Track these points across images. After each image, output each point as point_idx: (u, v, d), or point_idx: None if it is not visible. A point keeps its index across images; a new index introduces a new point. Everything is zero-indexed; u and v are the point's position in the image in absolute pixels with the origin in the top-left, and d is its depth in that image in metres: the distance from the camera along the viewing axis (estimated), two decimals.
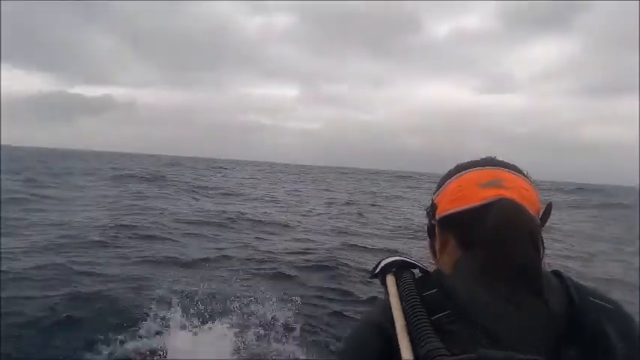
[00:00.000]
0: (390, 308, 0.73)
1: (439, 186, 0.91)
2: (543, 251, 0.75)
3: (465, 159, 0.91)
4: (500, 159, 0.89)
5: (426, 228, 0.94)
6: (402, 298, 0.73)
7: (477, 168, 0.86)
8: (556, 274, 0.78)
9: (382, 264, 0.85)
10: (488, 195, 0.79)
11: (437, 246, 0.89)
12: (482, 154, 0.90)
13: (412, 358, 0.62)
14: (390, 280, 0.80)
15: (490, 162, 0.88)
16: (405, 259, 0.85)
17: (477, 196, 0.80)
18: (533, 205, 0.79)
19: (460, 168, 0.89)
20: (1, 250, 6.66)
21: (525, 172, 0.87)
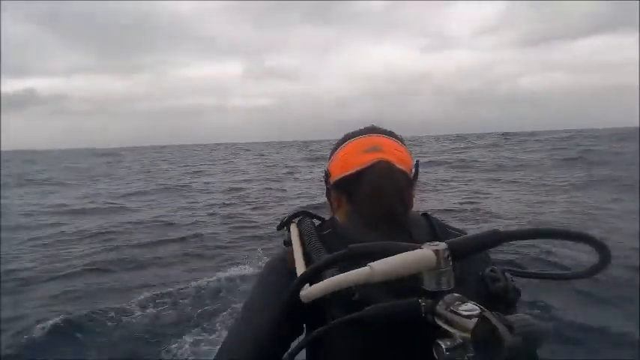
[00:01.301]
0: (292, 251, 0.90)
1: (331, 155, 1.05)
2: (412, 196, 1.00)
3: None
4: (383, 126, 1.04)
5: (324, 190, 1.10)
6: (302, 237, 0.92)
7: (361, 136, 1.01)
8: (425, 215, 1.00)
9: (288, 216, 1.02)
10: (370, 159, 0.95)
11: (333, 205, 1.05)
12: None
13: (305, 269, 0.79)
14: (293, 226, 0.98)
15: (372, 130, 1.02)
16: (307, 211, 1.04)
17: (361, 160, 0.96)
18: (406, 164, 0.98)
19: (347, 137, 1.03)
20: None
21: (400, 137, 1.03)
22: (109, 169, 29.09)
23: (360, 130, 1.02)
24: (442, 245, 0.65)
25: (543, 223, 7.83)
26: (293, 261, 0.86)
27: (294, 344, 0.81)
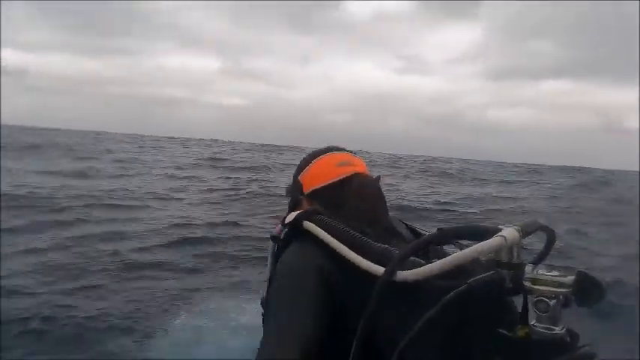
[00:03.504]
0: (319, 249, 0.91)
1: (300, 169, 1.15)
2: None
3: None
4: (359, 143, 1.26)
5: (290, 201, 1.16)
6: (328, 230, 0.91)
7: (331, 153, 1.14)
8: (397, 218, 1.13)
9: (293, 216, 0.99)
10: (345, 171, 1.09)
11: None
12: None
13: (375, 267, 0.82)
14: (313, 226, 0.94)
15: (337, 148, 1.17)
16: (316, 210, 1.02)
17: (337, 173, 1.09)
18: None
19: (316, 154, 1.15)
20: None
21: (359, 156, 1.18)
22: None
23: (326, 147, 1.17)
24: (516, 227, 0.79)
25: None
26: (331, 259, 0.88)
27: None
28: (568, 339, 0.72)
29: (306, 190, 1.11)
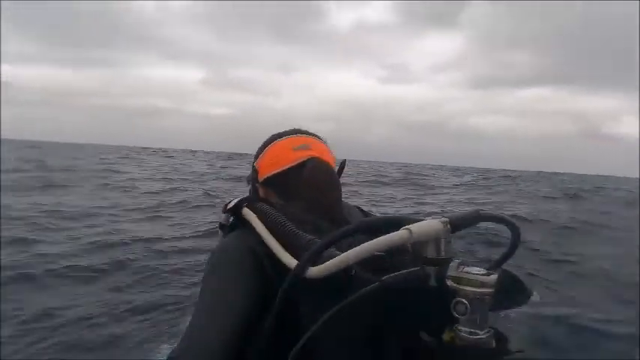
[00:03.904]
0: (251, 235, 0.88)
1: (257, 155, 1.07)
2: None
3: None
4: (310, 130, 1.10)
5: (249, 188, 1.11)
6: (263, 220, 0.89)
7: (288, 136, 1.06)
8: (356, 207, 1.11)
9: (234, 202, 0.98)
10: (301, 156, 1.01)
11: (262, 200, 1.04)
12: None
13: (293, 261, 0.77)
14: (249, 213, 0.93)
15: (298, 131, 1.08)
16: (251, 197, 1.03)
17: (293, 157, 1.00)
18: (332, 162, 1.05)
19: (274, 137, 1.07)
20: None
21: (323, 138, 1.11)
22: None
23: (286, 131, 1.07)
24: (444, 219, 0.70)
25: None
26: (260, 244, 0.86)
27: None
28: (493, 343, 0.64)
29: (261, 177, 1.04)
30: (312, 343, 0.70)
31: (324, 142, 1.09)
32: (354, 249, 0.69)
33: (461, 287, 0.64)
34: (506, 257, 0.80)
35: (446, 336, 0.67)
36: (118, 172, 19.75)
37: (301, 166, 0.99)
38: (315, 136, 1.09)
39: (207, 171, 24.10)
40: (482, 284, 0.63)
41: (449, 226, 0.69)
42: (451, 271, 0.66)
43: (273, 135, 1.08)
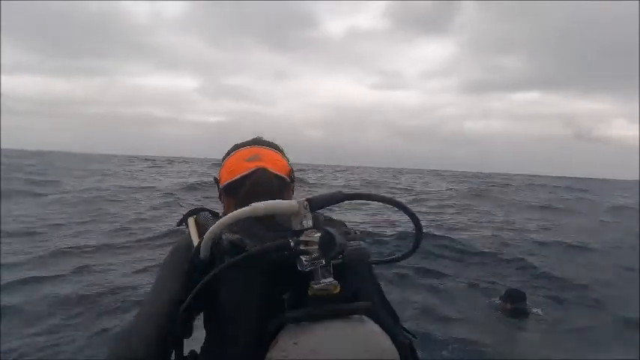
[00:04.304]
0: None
1: (222, 162, 1.20)
2: (293, 195, 1.20)
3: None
4: (267, 139, 1.23)
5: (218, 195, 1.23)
6: (198, 226, 1.04)
7: (245, 147, 1.18)
8: (342, 222, 1.16)
9: (187, 212, 1.12)
10: (250, 166, 1.12)
11: (225, 206, 1.19)
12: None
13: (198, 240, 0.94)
14: (191, 219, 1.09)
15: (256, 142, 1.21)
16: (204, 208, 1.15)
17: (244, 168, 1.12)
18: (284, 170, 1.17)
19: (235, 148, 1.20)
20: None
21: (280, 148, 1.23)
22: None
23: (247, 141, 1.21)
24: (302, 200, 0.88)
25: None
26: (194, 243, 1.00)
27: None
28: (337, 290, 0.81)
29: (221, 184, 1.17)
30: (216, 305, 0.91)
31: (280, 152, 1.22)
32: (219, 221, 0.88)
33: (306, 248, 0.83)
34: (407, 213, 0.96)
35: (310, 292, 0.83)
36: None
37: (249, 176, 1.11)
38: (272, 146, 1.21)
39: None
40: (314, 243, 0.81)
41: (306, 205, 0.87)
42: (303, 237, 0.84)
43: (234, 145, 1.20)
